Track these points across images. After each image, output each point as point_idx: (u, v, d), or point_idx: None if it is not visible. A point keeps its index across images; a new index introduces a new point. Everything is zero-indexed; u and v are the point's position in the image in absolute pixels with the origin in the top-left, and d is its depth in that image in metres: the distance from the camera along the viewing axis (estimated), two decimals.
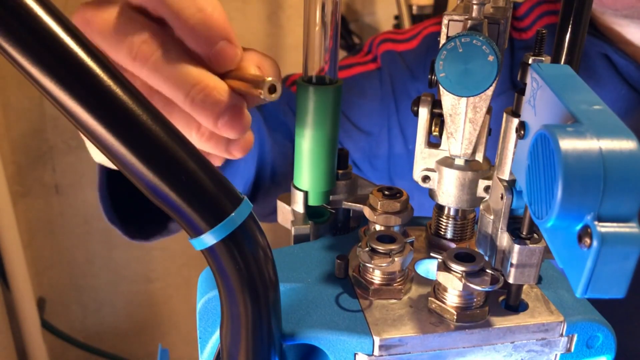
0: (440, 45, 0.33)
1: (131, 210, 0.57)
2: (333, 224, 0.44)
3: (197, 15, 0.32)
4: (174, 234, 0.59)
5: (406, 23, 1.37)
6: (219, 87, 0.34)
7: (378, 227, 0.40)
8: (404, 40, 0.77)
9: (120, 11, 0.34)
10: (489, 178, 0.37)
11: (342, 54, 1.34)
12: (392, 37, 0.78)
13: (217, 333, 0.31)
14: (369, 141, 0.75)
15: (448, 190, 0.38)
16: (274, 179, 0.68)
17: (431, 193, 0.40)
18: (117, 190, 0.54)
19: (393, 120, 0.74)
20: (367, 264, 0.34)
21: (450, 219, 0.40)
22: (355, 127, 0.74)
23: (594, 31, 0.68)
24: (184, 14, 0.32)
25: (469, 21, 0.33)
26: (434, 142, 0.40)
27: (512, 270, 0.33)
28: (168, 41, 0.34)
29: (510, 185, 0.33)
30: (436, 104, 0.38)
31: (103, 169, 0.52)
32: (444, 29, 0.35)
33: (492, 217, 0.35)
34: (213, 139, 0.36)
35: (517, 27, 0.73)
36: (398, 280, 0.35)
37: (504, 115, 0.33)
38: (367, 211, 0.40)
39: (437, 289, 0.34)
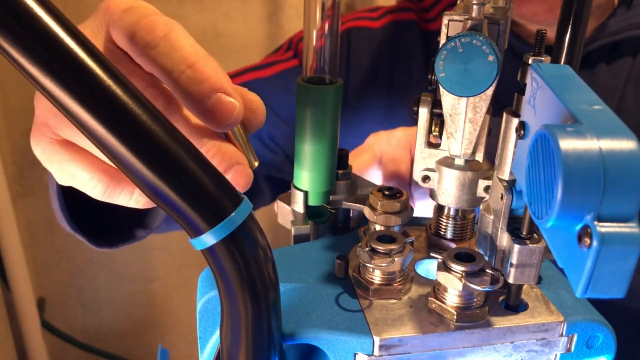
0: (440, 45, 0.33)
1: (92, 219, 0.56)
2: (333, 224, 0.44)
3: (187, 72, 0.30)
4: (141, 240, 0.59)
5: None
6: (223, 148, 0.32)
7: (378, 227, 0.40)
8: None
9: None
10: (489, 178, 0.37)
11: None
12: None
13: (217, 333, 0.31)
14: None
15: (448, 190, 0.38)
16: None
17: (431, 193, 0.40)
18: (76, 201, 0.54)
19: None
20: (367, 264, 0.34)
21: (450, 219, 0.40)
22: (286, 124, 0.74)
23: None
24: (174, 72, 0.30)
25: (469, 21, 0.33)
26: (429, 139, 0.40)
27: (512, 270, 0.33)
28: (166, 100, 0.32)
29: (510, 185, 0.33)
30: (436, 104, 0.38)
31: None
32: (444, 29, 0.35)
33: (492, 217, 0.35)
34: None
35: None
36: (398, 280, 0.35)
37: (504, 115, 0.33)
38: (367, 211, 0.40)
39: (437, 289, 0.34)
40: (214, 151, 0.32)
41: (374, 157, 0.54)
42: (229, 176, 0.32)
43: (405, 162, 0.52)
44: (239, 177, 0.32)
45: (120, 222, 0.58)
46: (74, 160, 0.34)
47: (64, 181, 0.36)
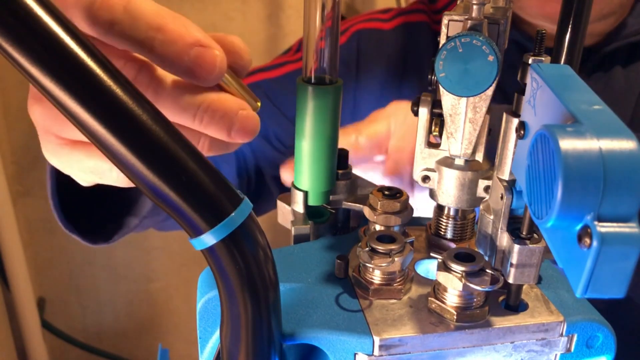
0: (440, 45, 0.33)
1: (84, 214, 0.57)
2: (333, 224, 0.44)
3: (158, 37, 0.29)
4: (136, 230, 0.59)
5: None
6: (222, 99, 0.32)
7: (378, 227, 0.40)
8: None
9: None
10: (489, 178, 0.37)
11: None
12: None
13: (217, 333, 0.31)
14: None
15: (448, 190, 0.38)
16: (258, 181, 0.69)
17: (431, 193, 0.40)
18: (68, 198, 0.54)
19: None
20: (367, 264, 0.34)
21: (450, 219, 0.40)
22: (293, 124, 0.75)
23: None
24: (145, 41, 0.29)
25: (469, 21, 0.33)
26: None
27: (512, 270, 0.33)
28: (150, 69, 0.31)
29: (510, 185, 0.33)
30: (436, 104, 0.38)
31: (53, 175, 0.51)
32: (444, 29, 0.35)
33: (492, 217, 0.35)
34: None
35: None
36: (398, 280, 0.35)
37: (504, 115, 0.33)
38: (367, 211, 0.40)
39: (437, 289, 0.34)
40: (213, 106, 0.31)
41: (387, 130, 0.54)
42: (235, 125, 0.31)
43: (414, 143, 0.52)
44: (246, 121, 0.31)
45: (111, 214, 0.58)
46: (89, 155, 0.33)
47: (88, 180, 0.35)
